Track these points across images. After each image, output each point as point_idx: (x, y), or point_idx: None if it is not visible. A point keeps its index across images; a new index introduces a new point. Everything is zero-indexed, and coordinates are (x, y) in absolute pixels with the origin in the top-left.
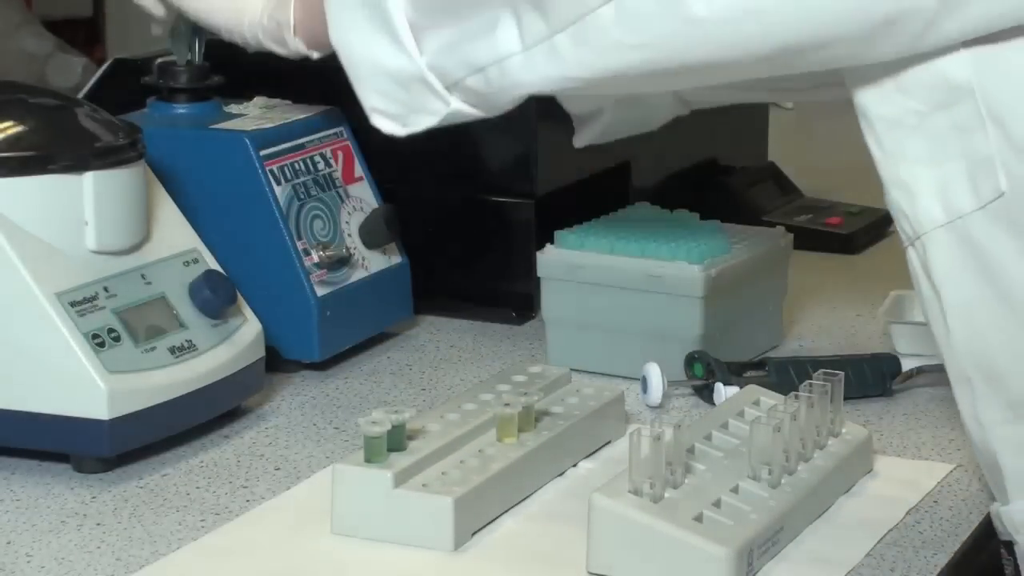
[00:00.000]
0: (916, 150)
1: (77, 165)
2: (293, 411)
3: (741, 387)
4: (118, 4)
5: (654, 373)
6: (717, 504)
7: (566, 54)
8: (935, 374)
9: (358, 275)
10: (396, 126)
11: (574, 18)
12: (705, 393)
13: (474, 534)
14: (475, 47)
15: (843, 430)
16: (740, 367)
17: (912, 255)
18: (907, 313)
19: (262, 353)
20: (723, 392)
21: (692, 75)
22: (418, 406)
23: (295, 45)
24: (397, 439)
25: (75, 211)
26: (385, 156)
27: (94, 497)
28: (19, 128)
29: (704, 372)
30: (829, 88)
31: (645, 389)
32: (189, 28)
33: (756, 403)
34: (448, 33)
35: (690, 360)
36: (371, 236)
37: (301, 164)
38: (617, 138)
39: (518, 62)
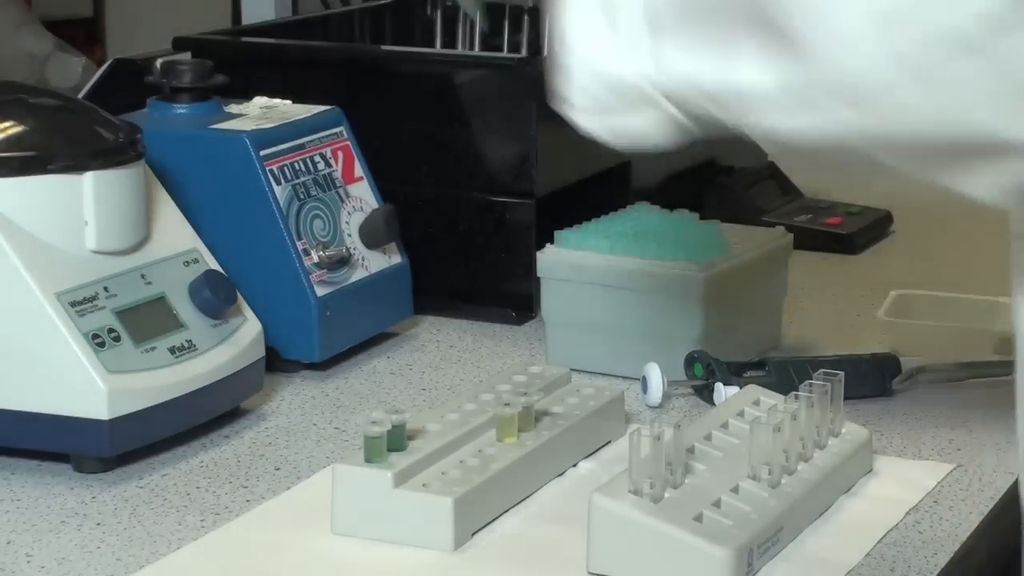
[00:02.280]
0: None
1: (77, 165)
2: (293, 411)
3: (741, 387)
4: (118, 4)
5: (654, 373)
6: (717, 504)
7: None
8: (935, 373)
9: (358, 275)
10: (598, 126)
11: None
12: (705, 393)
13: (474, 534)
14: (719, 79)
15: (843, 430)
16: (740, 367)
17: None
18: (907, 313)
19: (262, 353)
20: (723, 392)
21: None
22: (418, 406)
23: None
24: (397, 439)
25: (75, 211)
26: (385, 156)
27: (94, 497)
28: (19, 128)
29: (704, 372)
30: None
31: (645, 389)
32: None
33: (756, 403)
34: (696, 51)
35: (690, 360)
36: (371, 236)
37: (301, 164)
38: None
39: (764, 102)
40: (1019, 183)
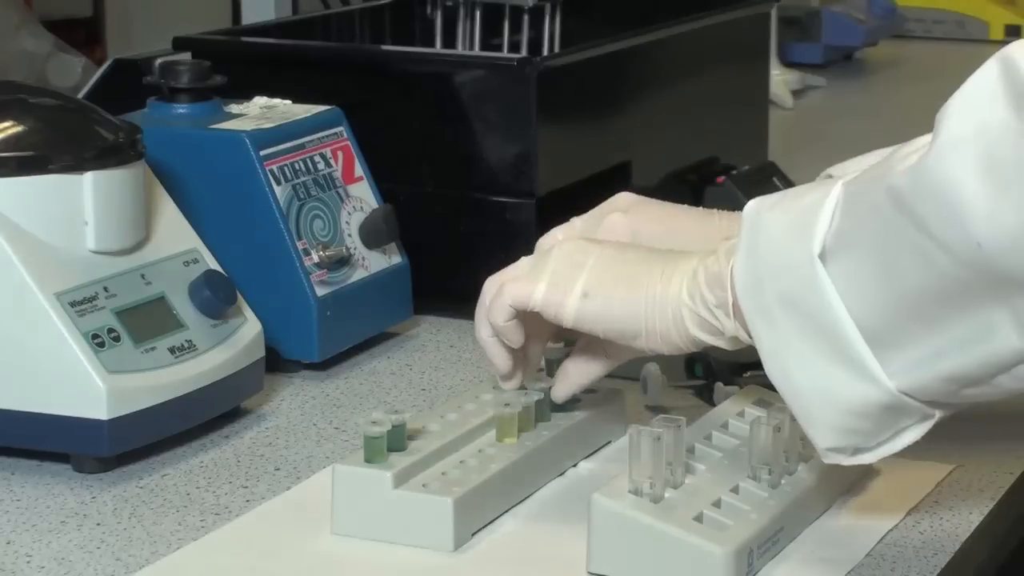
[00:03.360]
0: None
1: (77, 165)
2: (293, 411)
3: (741, 387)
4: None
5: (653, 373)
6: (717, 504)
7: None
8: None
9: (358, 275)
10: (858, 457)
11: None
12: (705, 393)
13: (474, 534)
14: (967, 358)
15: None
16: (740, 367)
17: None
18: None
19: (262, 353)
20: (723, 392)
21: None
22: (418, 406)
23: (734, 329)
24: (397, 439)
25: (75, 211)
26: (385, 156)
27: (94, 497)
28: (19, 128)
29: (704, 372)
30: None
31: (645, 389)
32: None
33: (756, 403)
34: (923, 347)
35: (690, 360)
36: (371, 236)
37: (301, 164)
38: None
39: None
40: None
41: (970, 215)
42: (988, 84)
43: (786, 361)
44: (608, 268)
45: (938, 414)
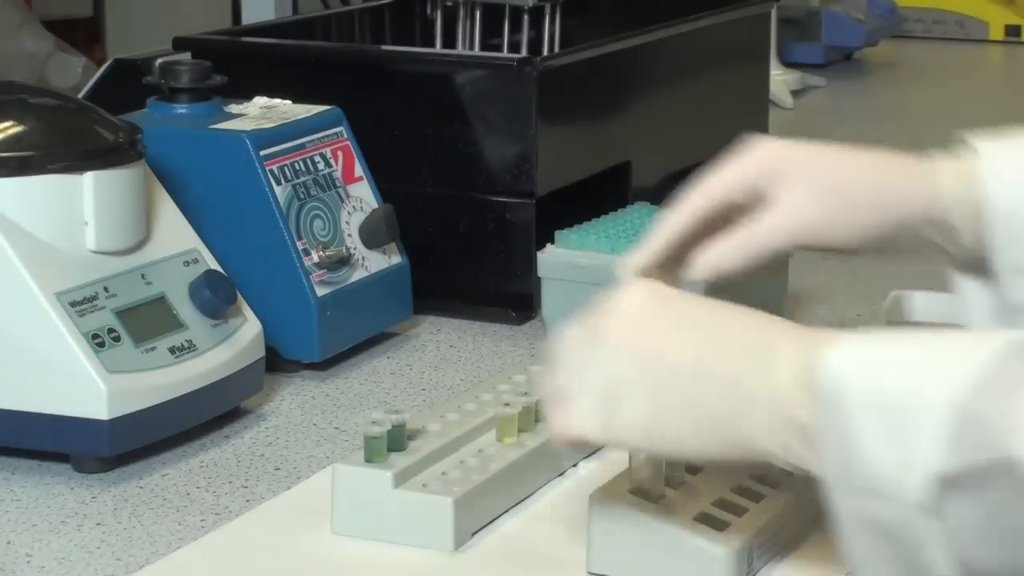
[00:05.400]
0: None
1: (77, 165)
2: (293, 411)
3: None
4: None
5: None
6: (717, 504)
7: None
8: None
9: (358, 275)
10: None
11: None
12: None
13: (474, 534)
14: None
15: None
16: None
17: None
18: (907, 313)
19: (262, 353)
20: None
21: None
22: (418, 406)
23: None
24: (397, 439)
25: (75, 211)
26: (385, 156)
27: (94, 497)
28: (19, 128)
29: None
30: None
31: None
32: None
33: None
34: None
35: None
36: (371, 236)
37: (301, 164)
38: None
39: None
40: None
41: None
42: None
43: None
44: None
45: None
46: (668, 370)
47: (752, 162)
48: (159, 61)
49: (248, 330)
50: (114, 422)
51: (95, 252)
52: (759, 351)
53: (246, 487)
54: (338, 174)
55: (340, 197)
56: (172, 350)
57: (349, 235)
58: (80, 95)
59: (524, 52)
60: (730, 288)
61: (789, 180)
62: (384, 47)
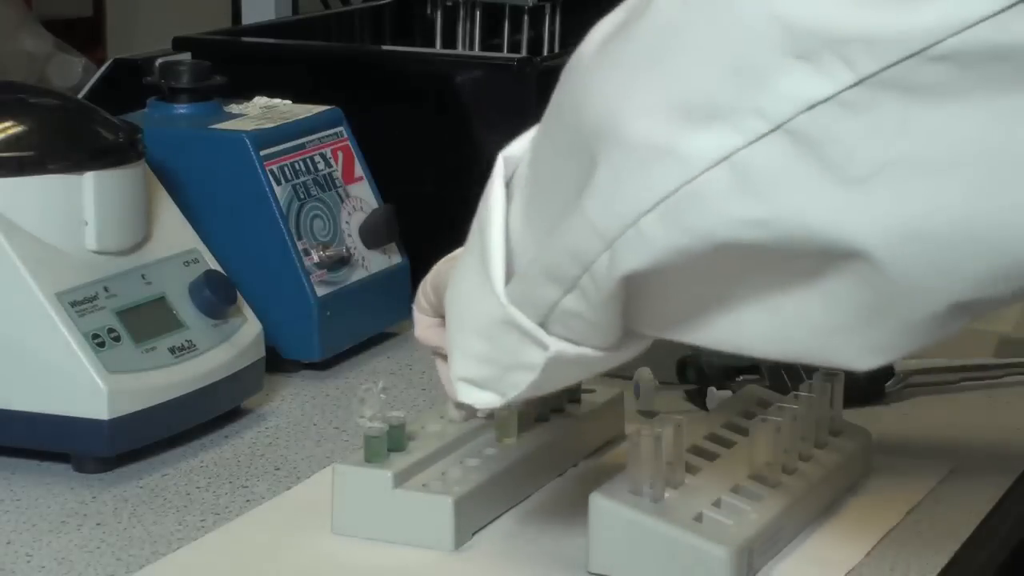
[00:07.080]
0: None
1: (77, 165)
2: (293, 411)
3: (734, 391)
4: (118, 4)
5: (645, 378)
6: (717, 504)
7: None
8: (931, 376)
9: (358, 275)
10: (491, 396)
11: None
12: (698, 398)
13: (474, 534)
14: (557, 262)
15: (843, 430)
16: (733, 371)
17: None
18: None
19: (262, 353)
20: (716, 396)
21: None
22: (418, 406)
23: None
24: (397, 439)
25: (75, 211)
26: (385, 156)
27: (94, 497)
28: (19, 128)
29: (696, 377)
30: None
31: (637, 394)
32: None
33: (756, 403)
34: (530, 248)
35: (682, 364)
36: (371, 236)
37: (301, 164)
38: None
39: (604, 263)
40: None
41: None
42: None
43: (456, 285)
44: None
45: (553, 344)
46: None
47: None
48: (159, 61)
49: (248, 330)
50: (114, 422)
51: (95, 252)
52: None
53: (246, 487)
54: (338, 174)
55: (340, 197)
56: (172, 350)
57: (349, 235)
58: (80, 95)
59: (524, 52)
60: None
61: None
62: (384, 47)
